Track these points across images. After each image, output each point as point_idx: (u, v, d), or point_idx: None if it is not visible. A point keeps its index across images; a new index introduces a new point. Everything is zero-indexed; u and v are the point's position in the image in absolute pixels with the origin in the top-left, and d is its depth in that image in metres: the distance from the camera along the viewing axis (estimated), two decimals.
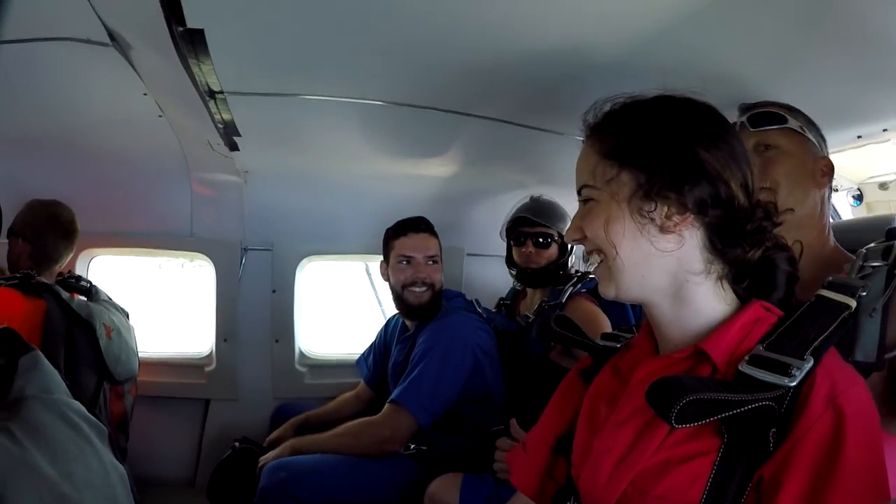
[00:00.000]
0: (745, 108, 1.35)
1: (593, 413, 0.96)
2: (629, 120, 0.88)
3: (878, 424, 0.74)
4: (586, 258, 0.95)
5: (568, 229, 0.94)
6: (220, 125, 1.78)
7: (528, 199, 2.36)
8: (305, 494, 1.85)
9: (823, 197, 1.27)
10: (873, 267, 0.99)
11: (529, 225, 2.29)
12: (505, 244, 2.42)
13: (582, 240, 0.91)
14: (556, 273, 2.28)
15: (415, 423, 1.98)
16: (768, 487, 0.72)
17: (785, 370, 0.73)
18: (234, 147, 2.02)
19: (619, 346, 1.05)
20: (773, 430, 0.72)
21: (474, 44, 1.38)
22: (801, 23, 1.23)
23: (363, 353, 2.56)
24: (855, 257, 1.06)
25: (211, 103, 1.60)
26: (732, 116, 1.29)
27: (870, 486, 0.70)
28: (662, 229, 0.84)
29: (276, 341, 2.77)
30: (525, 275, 2.33)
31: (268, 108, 1.76)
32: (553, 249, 2.28)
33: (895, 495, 0.97)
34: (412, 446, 2.05)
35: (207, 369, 2.73)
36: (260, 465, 2.01)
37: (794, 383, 0.72)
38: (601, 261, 0.89)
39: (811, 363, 0.74)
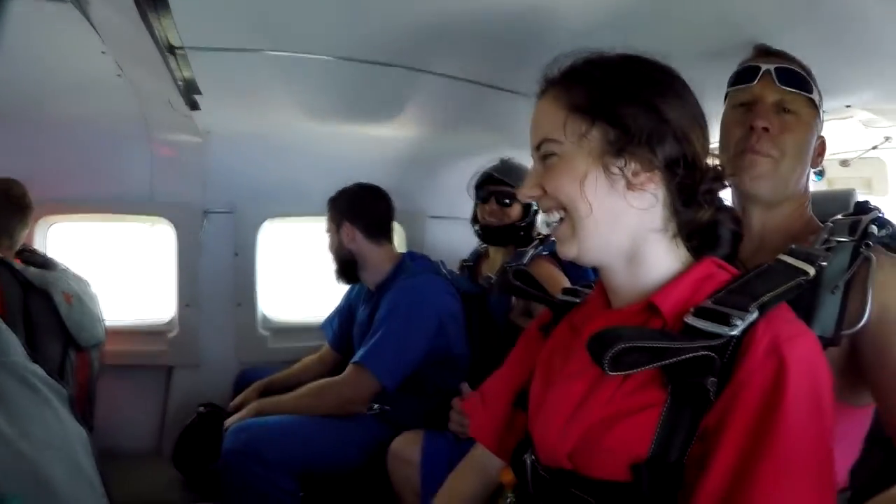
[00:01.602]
0: (766, 53, 1.22)
1: (548, 366, 0.97)
2: (599, 75, 0.86)
3: (824, 377, 0.74)
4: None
5: (524, 186, 0.91)
6: (179, 83, 1.74)
7: (497, 161, 2.38)
8: (269, 455, 1.87)
9: (811, 174, 1.23)
10: (839, 241, 0.99)
11: (494, 183, 2.32)
12: (472, 204, 2.43)
13: (541, 197, 0.89)
14: (518, 232, 2.31)
15: (377, 383, 2.00)
16: (711, 437, 0.73)
17: (727, 320, 0.74)
18: (194, 106, 1.97)
19: (577, 300, 1.05)
20: (713, 379, 0.73)
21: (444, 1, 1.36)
22: None
23: (328, 316, 2.55)
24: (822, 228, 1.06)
25: (171, 60, 1.55)
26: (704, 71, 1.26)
27: (810, 439, 0.70)
28: (629, 187, 0.83)
29: (239, 305, 2.75)
30: (488, 232, 2.35)
31: (228, 64, 1.72)
32: (516, 209, 2.31)
33: (854, 460, 1.01)
34: (375, 406, 2.09)
35: (169, 336, 2.69)
36: (224, 429, 2.00)
37: (734, 332, 0.73)
38: (562, 219, 0.87)
39: (755, 315, 0.74)
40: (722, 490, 0.69)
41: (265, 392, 2.28)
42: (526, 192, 0.91)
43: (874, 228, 1.00)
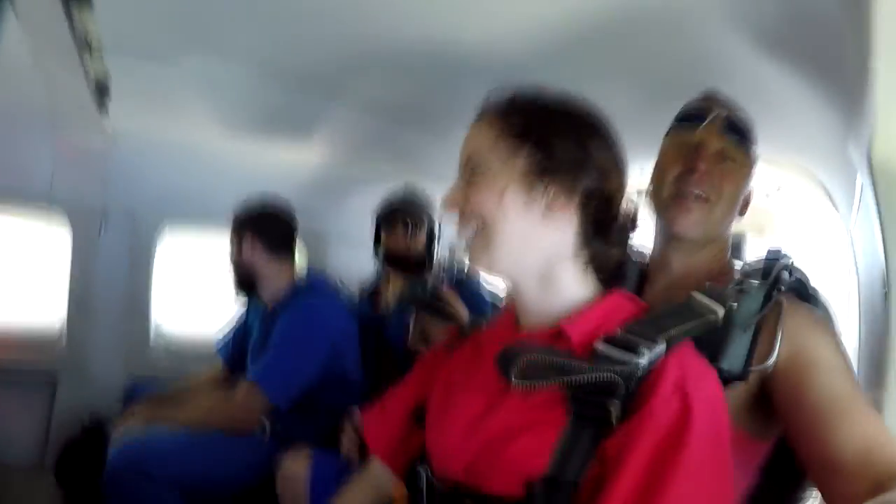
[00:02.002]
0: (714, 99, 1.21)
1: (449, 381, 0.98)
2: (536, 105, 0.90)
3: (724, 417, 0.77)
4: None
5: (445, 198, 0.92)
6: (92, 81, 1.66)
7: (404, 188, 2.43)
8: (156, 472, 1.76)
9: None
10: (751, 284, 1.02)
11: (402, 211, 2.37)
12: (373, 231, 2.48)
13: (460, 209, 0.91)
14: (423, 260, 2.36)
15: (270, 403, 1.95)
16: (611, 462, 0.73)
17: (635, 349, 0.76)
18: (104, 107, 1.87)
19: (485, 325, 1.07)
20: (617, 402, 0.74)
21: (366, 31, 1.39)
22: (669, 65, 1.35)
23: (223, 333, 2.47)
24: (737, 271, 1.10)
25: (86, 56, 1.49)
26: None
27: (710, 474, 0.72)
28: (547, 210, 0.86)
29: (132, 315, 2.63)
30: (393, 258, 2.38)
31: (143, 67, 1.68)
32: (422, 237, 2.37)
33: (747, 487, 1.03)
34: (267, 426, 2.02)
35: (57, 343, 2.51)
36: (110, 444, 1.88)
37: (641, 361, 0.74)
38: (477, 231, 0.89)
39: (663, 347, 0.76)
40: None
41: (154, 407, 2.13)
42: (448, 204, 0.92)
43: (785, 275, 1.05)
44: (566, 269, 0.89)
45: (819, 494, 0.90)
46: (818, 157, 1.61)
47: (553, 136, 0.87)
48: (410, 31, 1.38)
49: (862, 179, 1.10)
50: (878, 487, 0.73)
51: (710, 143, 1.14)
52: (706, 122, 1.16)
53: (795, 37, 1.12)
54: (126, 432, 1.90)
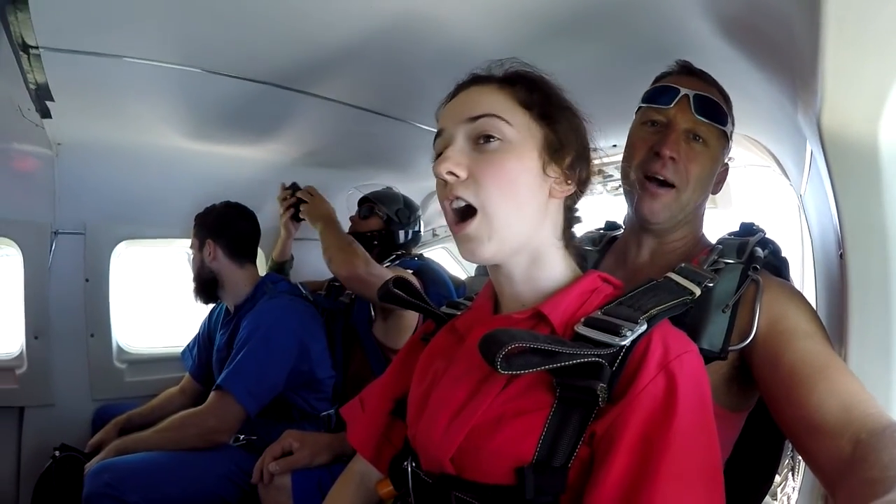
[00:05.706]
0: (688, 72, 1.17)
1: (429, 371, 0.96)
2: (537, 83, 0.89)
3: (707, 390, 0.78)
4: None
5: (446, 160, 0.83)
6: (32, 86, 1.59)
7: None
8: (133, 496, 1.73)
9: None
10: (727, 263, 1.04)
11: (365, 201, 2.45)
12: None
13: (463, 180, 0.84)
14: (372, 242, 2.40)
15: (241, 409, 1.92)
16: (601, 444, 0.74)
17: (617, 331, 0.76)
18: (46, 113, 1.80)
19: (459, 312, 1.05)
20: (603, 385, 0.74)
21: (319, 16, 1.36)
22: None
23: (188, 345, 2.45)
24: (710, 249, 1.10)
25: (24, 60, 1.43)
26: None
27: (699, 447, 0.73)
28: (550, 192, 0.86)
29: (92, 336, 2.51)
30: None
31: (85, 68, 1.59)
32: (373, 222, 2.42)
33: (726, 458, 1.05)
34: (242, 437, 2.01)
35: (18, 372, 2.37)
36: (84, 472, 1.82)
37: (624, 342, 0.75)
38: (470, 215, 0.84)
39: (644, 327, 0.77)
40: (619, 495, 0.70)
41: (125, 429, 2.12)
42: (450, 167, 0.84)
43: (759, 250, 1.07)
44: (557, 248, 0.90)
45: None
46: (768, 128, 1.64)
47: (560, 119, 0.87)
48: (368, 22, 1.36)
49: (812, 147, 1.12)
50: (858, 444, 0.74)
51: (678, 124, 1.12)
52: (674, 102, 1.12)
53: (745, 10, 1.13)
54: (99, 461, 1.84)
